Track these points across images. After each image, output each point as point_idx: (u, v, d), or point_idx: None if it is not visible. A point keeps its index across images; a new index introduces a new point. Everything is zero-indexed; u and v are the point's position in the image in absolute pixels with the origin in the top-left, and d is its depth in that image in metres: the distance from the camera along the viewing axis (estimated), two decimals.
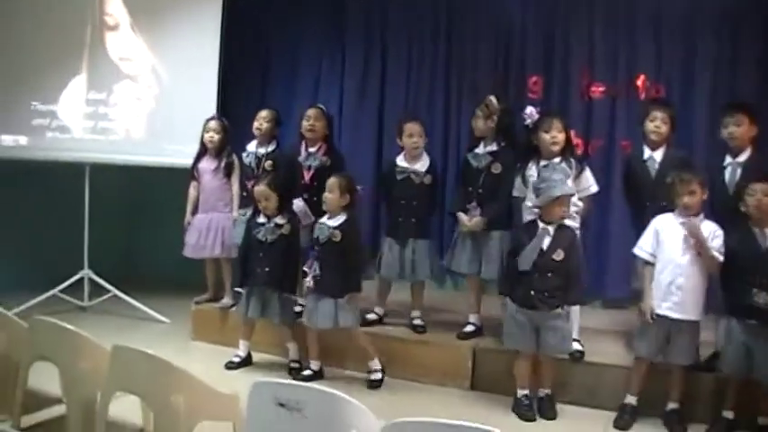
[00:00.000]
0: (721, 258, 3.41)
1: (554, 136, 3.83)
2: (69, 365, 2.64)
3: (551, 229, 3.54)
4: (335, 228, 3.94)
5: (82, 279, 5.28)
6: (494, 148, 4.13)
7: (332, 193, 3.95)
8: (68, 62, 5.30)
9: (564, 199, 3.53)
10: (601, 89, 4.87)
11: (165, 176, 5.45)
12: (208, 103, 5.22)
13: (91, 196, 5.28)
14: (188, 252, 4.90)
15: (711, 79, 4.61)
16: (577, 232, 3.83)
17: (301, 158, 4.49)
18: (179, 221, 4.98)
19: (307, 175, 4.44)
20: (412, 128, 4.31)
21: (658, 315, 3.46)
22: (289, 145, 4.72)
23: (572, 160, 3.86)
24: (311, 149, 4.50)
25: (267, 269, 4.12)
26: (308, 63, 5.79)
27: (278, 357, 4.41)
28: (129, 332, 4.79)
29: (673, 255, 3.46)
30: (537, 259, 3.52)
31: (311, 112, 4.53)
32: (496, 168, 4.08)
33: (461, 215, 4.15)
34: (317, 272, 3.95)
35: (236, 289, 4.27)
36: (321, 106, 4.66)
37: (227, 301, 4.81)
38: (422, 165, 4.34)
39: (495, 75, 5.14)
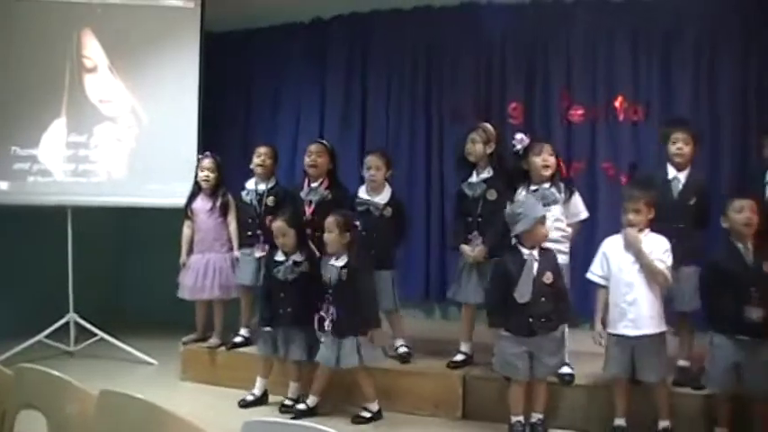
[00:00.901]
0: (664, 268, 3.50)
1: (545, 159, 3.94)
2: (56, 413, 2.64)
3: (536, 253, 3.59)
4: (342, 267, 3.98)
5: (68, 323, 5.26)
6: (488, 174, 4.20)
7: (332, 233, 3.98)
8: (48, 106, 5.35)
9: (542, 220, 3.60)
10: (580, 112, 4.93)
11: (150, 217, 5.52)
12: (189, 140, 5.31)
13: (74, 239, 5.30)
14: (185, 294, 4.88)
15: (691, 97, 4.68)
16: (567, 258, 3.94)
17: (303, 194, 4.54)
18: (165, 261, 5.00)
19: (308, 210, 4.49)
20: (369, 160, 4.42)
21: (618, 335, 3.54)
22: (293, 183, 4.80)
23: (561, 185, 3.97)
24: (313, 184, 4.55)
25: (290, 309, 4.14)
26: (289, 96, 5.83)
27: (273, 396, 4.41)
28: (116, 376, 4.79)
29: (620, 273, 3.58)
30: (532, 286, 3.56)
31: (313, 147, 4.58)
32: (492, 195, 4.14)
33: (464, 247, 4.19)
34: (334, 314, 3.97)
35: (265, 329, 4.25)
36: (324, 141, 4.71)
37: (215, 340, 4.83)
38: (382, 197, 4.41)
39: (476, 102, 5.21)
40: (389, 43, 5.53)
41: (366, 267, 4.10)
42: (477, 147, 4.20)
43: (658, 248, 3.55)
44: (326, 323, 3.98)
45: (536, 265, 3.56)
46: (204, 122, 5.44)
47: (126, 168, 5.42)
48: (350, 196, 4.59)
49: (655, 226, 3.69)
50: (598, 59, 4.92)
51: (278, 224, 4.19)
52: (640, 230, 3.57)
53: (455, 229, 4.34)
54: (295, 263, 4.16)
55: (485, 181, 4.19)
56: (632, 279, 3.54)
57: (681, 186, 3.84)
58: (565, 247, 3.96)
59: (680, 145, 3.87)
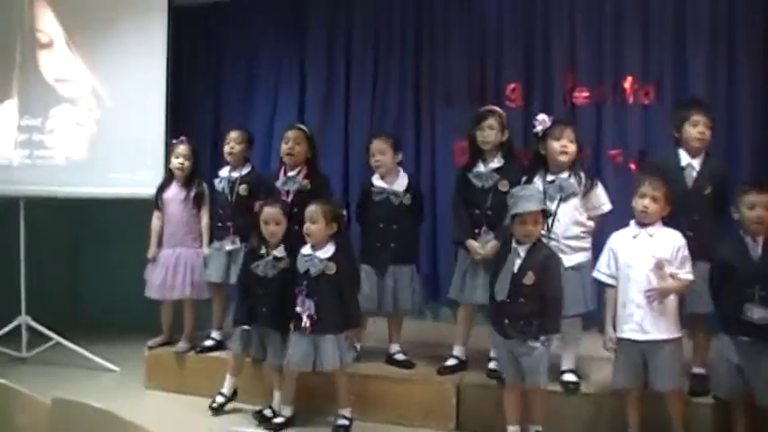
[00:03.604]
0: (692, 278, 3.48)
1: (564, 145, 3.89)
2: (4, 425, 2.62)
3: (522, 250, 3.55)
4: (328, 259, 3.94)
5: (19, 327, 5.19)
6: (498, 164, 4.15)
7: (316, 224, 3.94)
8: None
9: (528, 217, 3.52)
10: (585, 94, 4.91)
11: (112, 208, 5.48)
12: (156, 125, 5.25)
13: (28, 233, 5.23)
14: (153, 293, 4.83)
15: (707, 77, 4.65)
16: (589, 255, 3.91)
17: (279, 183, 4.52)
18: (129, 258, 4.97)
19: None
20: (374, 146, 4.41)
21: (625, 340, 3.52)
22: (268, 168, 4.79)
23: (581, 175, 3.93)
24: (290, 173, 4.53)
25: (265, 309, 4.11)
26: (266, 77, 5.83)
27: (242, 405, 4.39)
28: (74, 384, 4.74)
29: (629, 272, 3.54)
30: (509, 284, 3.53)
31: (291, 133, 4.56)
32: (504, 186, 4.04)
33: (473, 243, 4.11)
34: (312, 310, 3.92)
35: (244, 327, 4.21)
36: (302, 127, 4.70)
37: (183, 344, 4.79)
38: (399, 184, 4.40)
39: (471, 83, 5.18)
40: (376, 17, 5.50)
41: (353, 260, 4.09)
42: (492, 135, 4.13)
43: (672, 248, 3.50)
44: (304, 319, 3.92)
45: (518, 262, 3.52)
46: (172, 105, 5.37)
47: (86, 155, 5.35)
48: (330, 186, 4.60)
49: (667, 218, 3.65)
50: (605, 35, 4.89)
51: (272, 210, 4.11)
52: (651, 224, 3.54)
53: (460, 222, 4.22)
54: (276, 258, 4.11)
55: (496, 171, 4.13)
56: (642, 278, 3.49)
57: (695, 174, 3.79)
58: (586, 242, 3.93)
59: (702, 129, 3.80)
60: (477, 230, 4.13)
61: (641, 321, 3.48)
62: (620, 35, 4.86)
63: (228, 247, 4.66)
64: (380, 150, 4.37)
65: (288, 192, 4.48)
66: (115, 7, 5.35)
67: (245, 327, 4.18)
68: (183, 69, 5.69)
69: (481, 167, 4.16)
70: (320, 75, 5.62)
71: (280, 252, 4.12)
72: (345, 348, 3.96)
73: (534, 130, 3.99)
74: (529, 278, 3.51)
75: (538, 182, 3.93)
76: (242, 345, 4.21)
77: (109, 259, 5.99)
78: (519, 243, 3.56)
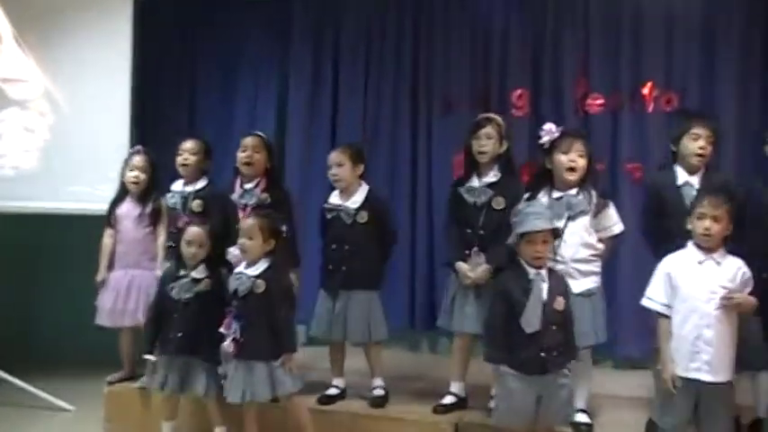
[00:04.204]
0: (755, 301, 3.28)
1: (572, 160, 3.73)
2: None
3: (543, 274, 3.37)
4: (257, 277, 3.78)
5: None
6: (493, 179, 3.98)
7: (253, 240, 3.80)
8: None
9: (538, 236, 3.34)
10: (599, 101, 4.84)
11: (67, 226, 5.33)
12: (119, 132, 5.11)
13: None
14: (102, 320, 4.68)
15: (736, 83, 4.58)
16: (599, 279, 3.78)
17: (235, 197, 4.36)
18: (85, 282, 4.76)
19: (243, 216, 4.24)
20: (330, 158, 4.27)
21: (685, 379, 3.27)
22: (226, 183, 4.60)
23: (592, 193, 3.77)
24: (248, 185, 4.35)
25: (180, 334, 3.91)
26: (244, 81, 5.76)
27: None
28: (23, 426, 4.59)
29: (695, 302, 3.28)
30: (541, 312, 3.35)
31: (248, 140, 4.40)
32: (499, 203, 3.90)
33: (462, 266, 3.96)
34: (238, 332, 3.75)
35: (146, 356, 4.03)
36: (261, 134, 4.54)
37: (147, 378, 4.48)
38: (354, 201, 4.21)
39: (472, 88, 5.11)
40: (368, 13, 5.43)
41: (286, 281, 3.95)
42: (489, 145, 3.96)
43: (740, 276, 3.28)
44: (227, 342, 3.78)
45: (545, 287, 3.35)
46: (138, 111, 5.29)
47: (38, 165, 5.24)
48: (291, 200, 4.47)
49: (664, 242, 3.58)
50: (622, 36, 4.81)
51: (196, 230, 3.98)
52: (714, 249, 3.31)
53: (452, 242, 4.09)
54: (194, 280, 3.97)
55: (490, 186, 3.97)
56: (711, 310, 3.24)
57: (694, 192, 3.66)
58: (596, 266, 3.78)
59: (703, 143, 3.69)
60: (467, 251, 3.98)
61: (711, 360, 3.23)
62: (640, 37, 4.79)
63: None
64: (337, 162, 4.22)
65: (245, 206, 4.30)
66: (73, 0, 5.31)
67: (150, 357, 4.00)
68: (152, 72, 5.61)
69: (475, 182, 4.03)
70: (305, 83, 5.53)
71: (199, 273, 3.98)
72: (282, 376, 3.77)
73: (540, 141, 3.84)
74: (559, 304, 3.35)
75: (543, 198, 3.79)
76: (152, 379, 4.01)
77: (63, 283, 5.76)
78: (533, 266, 3.36)
